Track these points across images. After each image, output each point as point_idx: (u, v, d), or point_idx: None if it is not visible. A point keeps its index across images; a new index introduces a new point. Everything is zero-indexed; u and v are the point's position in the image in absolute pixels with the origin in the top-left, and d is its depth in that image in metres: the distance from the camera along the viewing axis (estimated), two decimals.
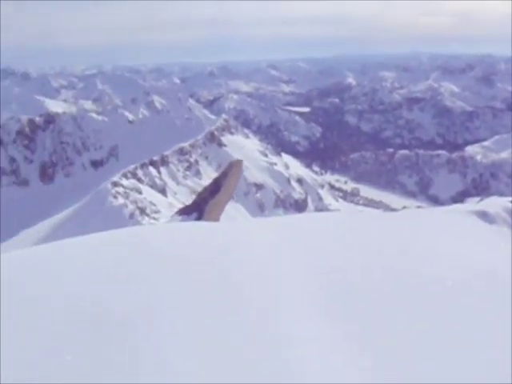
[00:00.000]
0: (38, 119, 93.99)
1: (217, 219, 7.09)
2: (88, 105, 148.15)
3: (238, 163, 8.18)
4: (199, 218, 7.08)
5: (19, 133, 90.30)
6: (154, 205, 69.12)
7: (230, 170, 7.94)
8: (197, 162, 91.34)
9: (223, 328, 2.54)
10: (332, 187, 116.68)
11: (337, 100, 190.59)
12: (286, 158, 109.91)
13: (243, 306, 2.90)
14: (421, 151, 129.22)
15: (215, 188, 7.67)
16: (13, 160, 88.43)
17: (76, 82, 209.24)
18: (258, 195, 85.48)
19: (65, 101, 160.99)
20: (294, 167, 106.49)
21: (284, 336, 2.38)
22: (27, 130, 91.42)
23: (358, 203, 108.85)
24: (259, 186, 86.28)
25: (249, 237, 5.16)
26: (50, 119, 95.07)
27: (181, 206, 75.42)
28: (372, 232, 4.91)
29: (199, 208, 7.35)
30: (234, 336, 2.41)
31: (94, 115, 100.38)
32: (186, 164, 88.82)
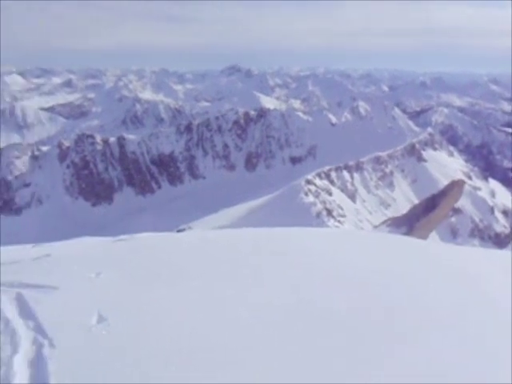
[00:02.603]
0: (252, 113, 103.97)
1: (425, 237, 7.01)
2: (297, 104, 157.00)
3: (461, 183, 7.59)
4: (408, 233, 7.05)
5: (235, 123, 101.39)
6: (342, 208, 69.86)
7: (451, 190, 7.54)
8: (392, 173, 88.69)
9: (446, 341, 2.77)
10: None
11: None
12: (494, 184, 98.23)
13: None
14: None
15: (431, 205, 7.44)
16: (226, 146, 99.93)
17: (290, 81, 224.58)
18: (454, 220, 78.49)
19: (277, 98, 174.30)
20: (502, 196, 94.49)
21: None
22: (242, 121, 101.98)
23: None
24: (456, 211, 79.09)
25: (462, 264, 5.08)
26: (262, 114, 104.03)
27: (367, 214, 74.60)
28: None
29: (410, 222, 7.22)
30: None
31: (301, 114, 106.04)
32: (380, 173, 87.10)
